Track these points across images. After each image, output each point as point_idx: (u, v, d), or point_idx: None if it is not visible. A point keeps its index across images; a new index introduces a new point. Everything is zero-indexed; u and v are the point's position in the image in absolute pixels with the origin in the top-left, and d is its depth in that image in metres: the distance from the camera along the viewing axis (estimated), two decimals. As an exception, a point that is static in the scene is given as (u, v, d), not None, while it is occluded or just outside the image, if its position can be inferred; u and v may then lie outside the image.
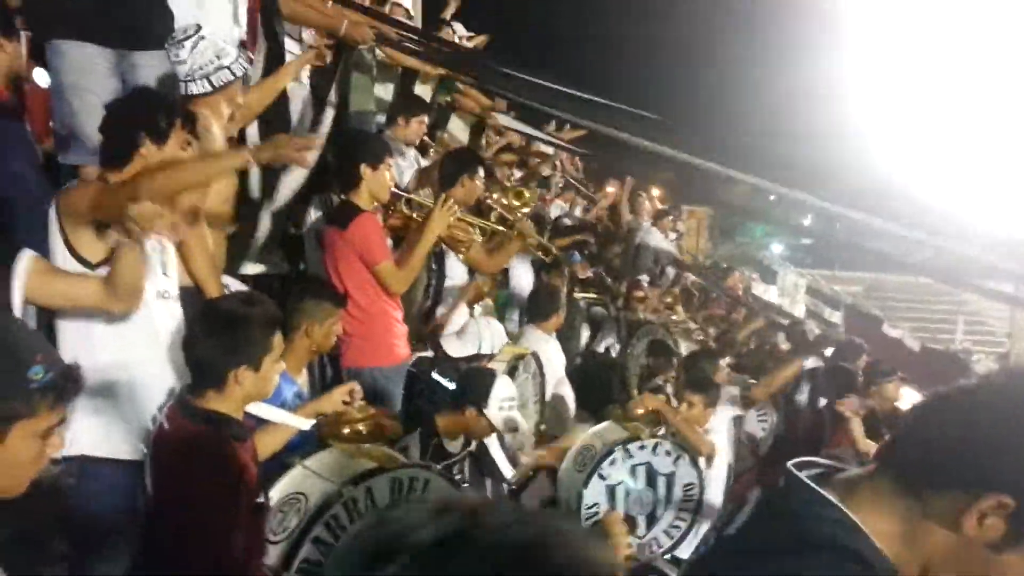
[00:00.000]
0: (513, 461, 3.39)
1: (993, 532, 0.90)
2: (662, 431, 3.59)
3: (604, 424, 3.69)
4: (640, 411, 3.58)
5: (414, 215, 3.56)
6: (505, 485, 3.44)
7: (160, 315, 2.33)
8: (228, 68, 2.77)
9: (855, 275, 22.62)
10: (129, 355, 2.28)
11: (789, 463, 1.06)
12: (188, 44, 2.73)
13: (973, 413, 0.96)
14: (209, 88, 2.75)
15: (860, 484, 0.99)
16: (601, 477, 3.43)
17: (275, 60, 3.43)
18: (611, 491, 3.46)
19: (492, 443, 3.39)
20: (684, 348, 5.77)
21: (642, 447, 3.51)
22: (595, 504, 3.42)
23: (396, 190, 3.53)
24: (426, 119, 4.71)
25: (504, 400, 3.10)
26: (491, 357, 3.64)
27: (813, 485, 0.98)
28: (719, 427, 3.98)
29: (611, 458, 3.44)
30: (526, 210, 4.96)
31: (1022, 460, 0.90)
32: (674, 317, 6.10)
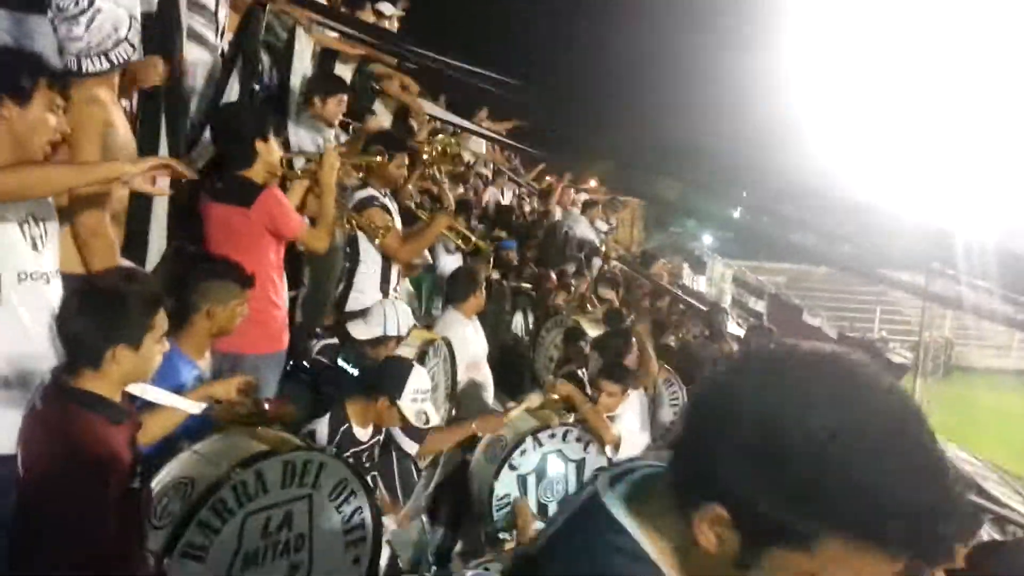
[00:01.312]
0: (415, 435, 3.35)
1: (731, 546, 0.82)
2: (572, 418, 3.63)
3: (516, 411, 3.68)
4: (553, 397, 3.62)
5: (299, 174, 3.53)
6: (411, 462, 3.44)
7: (24, 299, 2.15)
8: (127, 40, 2.62)
9: (780, 266, 23.46)
10: (15, 343, 2.12)
11: (600, 470, 1.00)
12: (84, 19, 2.56)
13: (696, 410, 0.88)
14: (107, 66, 2.58)
15: (655, 493, 0.90)
16: (512, 467, 3.45)
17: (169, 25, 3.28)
18: (522, 480, 3.49)
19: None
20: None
21: (552, 435, 3.55)
22: (506, 495, 3.44)
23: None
24: (345, 98, 4.62)
25: (418, 392, 3.08)
26: (398, 339, 3.60)
27: (612, 508, 0.90)
28: (631, 409, 4.04)
29: (521, 448, 3.46)
30: (451, 166, 4.89)
31: (734, 466, 0.79)
32: (589, 308, 6.18)
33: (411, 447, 3.32)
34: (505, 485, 3.44)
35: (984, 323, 20.68)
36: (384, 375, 3.09)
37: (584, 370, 4.56)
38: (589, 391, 3.91)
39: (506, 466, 3.43)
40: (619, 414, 3.90)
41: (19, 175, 2.10)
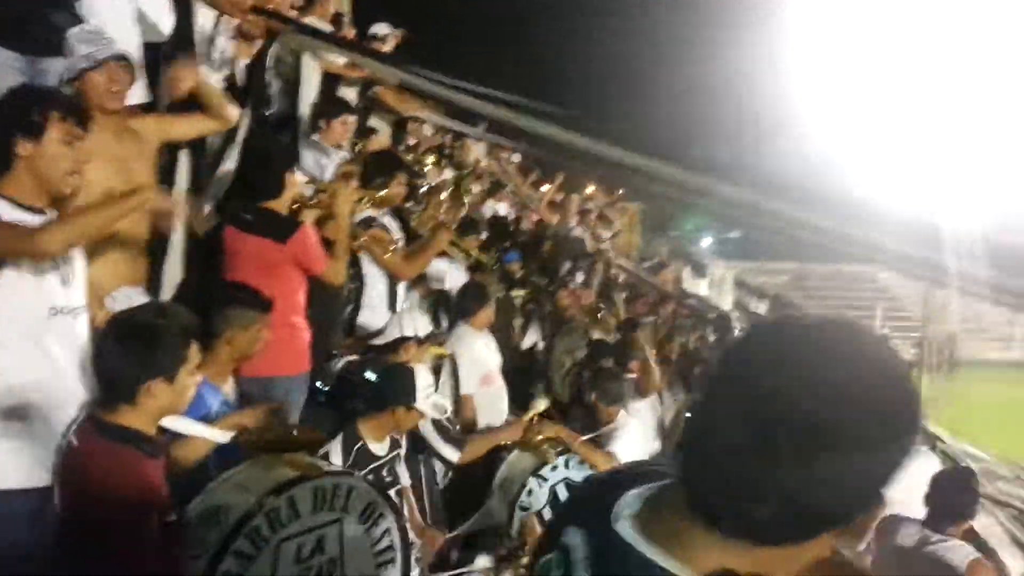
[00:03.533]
0: (458, 444, 3.41)
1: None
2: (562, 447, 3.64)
3: (515, 453, 3.71)
4: (539, 438, 3.63)
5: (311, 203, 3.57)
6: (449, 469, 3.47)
7: (56, 333, 2.21)
8: (111, 41, 2.71)
9: (780, 265, 23.47)
10: (26, 378, 2.17)
11: (598, 503, 0.90)
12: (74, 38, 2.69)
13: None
14: (93, 63, 2.65)
15: (680, 526, 0.82)
16: (523, 509, 3.48)
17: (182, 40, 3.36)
18: (539, 517, 3.47)
19: (428, 432, 3.42)
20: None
21: (554, 468, 3.58)
22: (530, 507, 3.47)
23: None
24: (350, 119, 4.70)
25: (427, 388, 3.15)
26: (417, 341, 3.65)
27: (634, 544, 0.83)
28: (638, 418, 4.08)
29: (527, 489, 3.50)
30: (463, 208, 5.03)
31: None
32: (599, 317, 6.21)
33: (453, 455, 3.37)
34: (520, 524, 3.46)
35: (986, 317, 20.73)
36: (391, 386, 3.13)
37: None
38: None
39: (516, 508, 3.48)
40: (620, 426, 3.93)
41: (76, 227, 2.21)
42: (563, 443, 3.66)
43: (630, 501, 0.88)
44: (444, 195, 4.67)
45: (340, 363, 3.73)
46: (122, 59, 2.73)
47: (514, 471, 3.63)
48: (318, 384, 3.64)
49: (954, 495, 3.27)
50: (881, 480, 0.77)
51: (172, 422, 2.20)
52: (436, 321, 5.41)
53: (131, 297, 2.65)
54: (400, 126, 6.71)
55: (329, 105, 4.81)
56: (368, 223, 4.06)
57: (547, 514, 3.50)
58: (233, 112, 3.21)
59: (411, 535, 2.76)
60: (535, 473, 3.53)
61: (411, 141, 7.09)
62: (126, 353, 1.92)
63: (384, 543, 2.47)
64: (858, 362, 0.77)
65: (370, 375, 3.56)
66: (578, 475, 3.61)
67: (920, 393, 0.81)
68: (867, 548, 3.27)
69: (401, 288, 4.23)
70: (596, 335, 5.35)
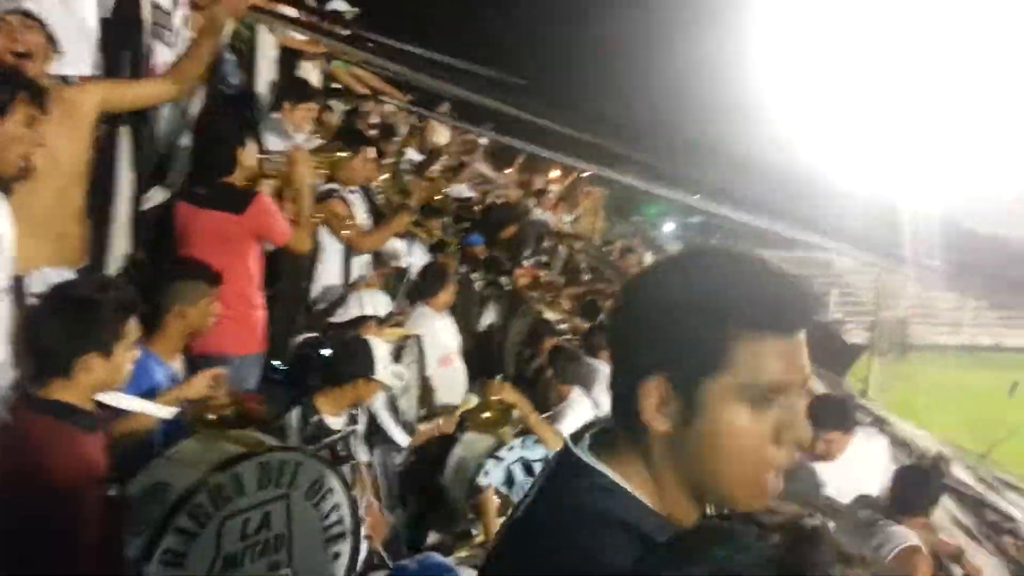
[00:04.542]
0: (408, 429, 3.41)
1: (675, 409, 0.89)
2: (520, 426, 3.68)
3: (470, 434, 3.74)
4: (494, 398, 3.64)
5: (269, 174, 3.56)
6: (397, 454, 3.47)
7: None
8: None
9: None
10: None
11: (567, 433, 1.04)
12: None
13: (613, 316, 0.99)
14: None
15: (618, 440, 0.96)
16: (478, 489, 3.48)
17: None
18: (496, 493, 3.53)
19: (382, 414, 3.41)
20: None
21: (511, 448, 3.59)
22: (488, 485, 3.44)
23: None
24: (314, 105, 4.64)
25: (385, 359, 3.14)
26: (377, 320, 3.63)
27: (579, 454, 0.95)
28: (588, 397, 4.12)
29: (484, 469, 3.51)
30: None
31: (647, 333, 0.91)
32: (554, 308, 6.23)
33: (404, 440, 3.37)
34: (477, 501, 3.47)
35: (936, 302, 21.36)
36: (351, 360, 3.10)
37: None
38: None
39: (472, 488, 3.49)
40: (570, 404, 3.97)
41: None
42: (520, 420, 3.68)
43: (593, 430, 1.01)
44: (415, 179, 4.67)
45: (297, 340, 3.70)
46: (23, 15, 2.49)
47: (470, 451, 3.65)
48: (275, 363, 3.60)
49: (913, 490, 3.37)
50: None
51: (114, 398, 2.16)
52: (395, 301, 5.40)
53: (50, 279, 2.54)
54: (353, 111, 6.66)
55: (293, 89, 4.74)
56: (328, 194, 4.03)
57: (503, 493, 3.53)
58: (193, 82, 3.07)
59: (362, 512, 2.75)
60: (491, 454, 3.55)
61: (372, 120, 7.02)
62: (62, 325, 1.88)
63: (333, 518, 2.45)
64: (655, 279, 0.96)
65: (326, 352, 3.53)
66: (534, 454, 3.63)
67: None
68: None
69: (356, 264, 4.20)
70: (548, 315, 5.38)
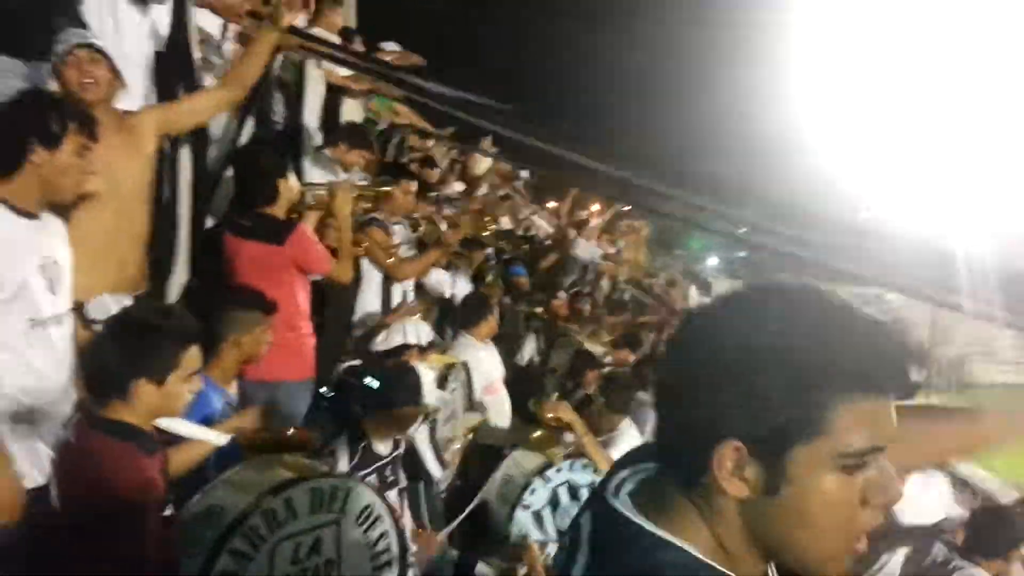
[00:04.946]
0: (443, 462, 3.41)
1: (754, 476, 0.81)
2: (571, 448, 3.63)
3: (519, 451, 3.71)
4: (550, 415, 3.61)
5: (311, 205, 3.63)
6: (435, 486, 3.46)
7: (35, 344, 2.20)
8: (84, 33, 2.63)
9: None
10: (14, 383, 2.18)
11: (602, 486, 0.94)
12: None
13: (675, 359, 0.87)
14: (59, 54, 2.56)
15: (668, 498, 0.87)
16: (525, 507, 3.46)
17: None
18: (537, 516, 3.50)
19: (421, 443, 3.41)
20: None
21: (559, 470, 3.55)
22: (525, 535, 3.43)
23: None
24: (367, 154, 4.74)
25: (431, 386, 3.19)
26: (419, 348, 3.65)
27: (624, 510, 0.87)
28: (636, 427, 4.06)
29: (531, 488, 3.48)
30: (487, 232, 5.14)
31: (727, 392, 0.80)
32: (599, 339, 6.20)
33: (438, 472, 3.36)
34: (519, 525, 3.45)
35: (995, 340, 20.60)
36: (398, 388, 3.11)
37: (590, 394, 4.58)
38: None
39: (519, 507, 3.45)
40: (620, 433, 3.92)
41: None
42: (571, 441, 3.64)
43: (627, 481, 0.93)
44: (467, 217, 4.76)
45: (341, 368, 3.74)
46: (89, 48, 2.60)
47: (518, 469, 3.61)
48: (322, 390, 3.64)
49: (991, 533, 3.27)
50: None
51: (170, 423, 2.20)
52: (440, 332, 5.44)
53: (108, 305, 2.62)
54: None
55: (351, 133, 4.83)
56: (369, 223, 4.10)
57: (546, 515, 3.49)
58: (249, 83, 3.11)
59: (408, 538, 2.74)
60: (540, 473, 3.51)
61: (413, 154, 7.16)
62: (117, 349, 1.91)
63: (381, 545, 2.45)
64: (770, 319, 0.81)
65: (370, 381, 3.55)
66: (581, 478, 3.58)
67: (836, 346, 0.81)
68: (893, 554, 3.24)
69: (396, 294, 4.25)
70: (589, 347, 5.35)
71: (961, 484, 7.26)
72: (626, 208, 11.49)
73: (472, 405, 3.97)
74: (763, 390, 0.78)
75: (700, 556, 0.83)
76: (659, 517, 0.85)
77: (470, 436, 3.82)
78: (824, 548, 0.82)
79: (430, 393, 3.10)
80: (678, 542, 0.83)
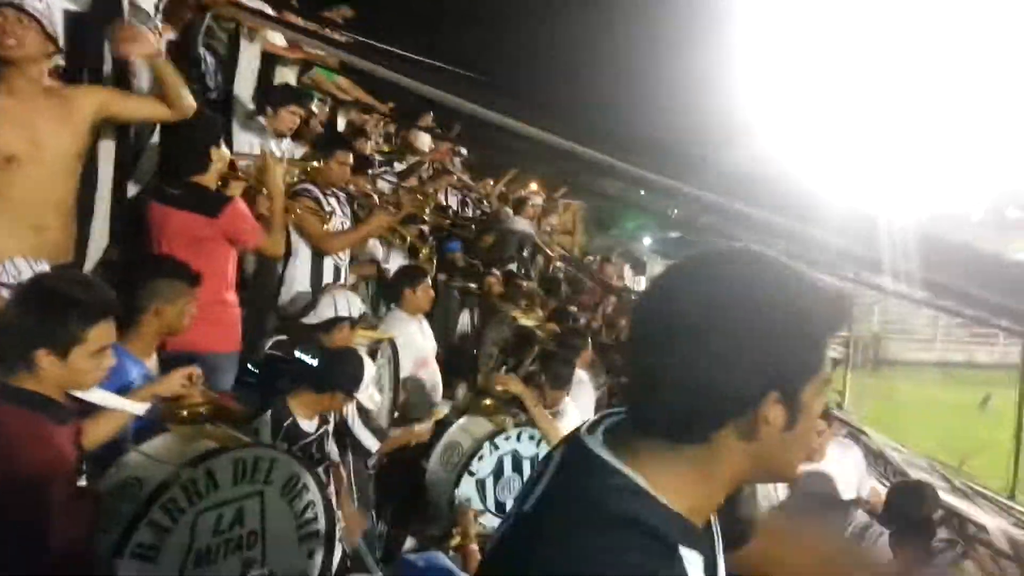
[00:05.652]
0: (379, 434, 3.41)
1: (780, 421, 0.90)
2: (522, 418, 3.69)
3: (467, 418, 3.75)
4: (500, 388, 3.66)
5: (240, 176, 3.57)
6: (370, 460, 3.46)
7: None
8: None
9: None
10: None
11: (582, 424, 1.02)
12: None
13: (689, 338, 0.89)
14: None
15: (637, 442, 0.93)
16: (471, 474, 3.50)
17: None
18: (481, 484, 3.55)
19: (354, 419, 3.39)
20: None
21: (507, 438, 3.61)
22: (468, 499, 3.48)
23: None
24: (297, 108, 4.62)
25: (369, 379, 3.13)
26: (351, 322, 3.61)
27: (598, 451, 0.93)
28: (577, 403, 4.13)
29: (479, 454, 3.52)
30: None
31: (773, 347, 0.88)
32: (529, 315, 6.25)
33: (373, 445, 3.35)
34: (466, 490, 3.49)
35: (909, 318, 21.66)
36: (339, 370, 3.08)
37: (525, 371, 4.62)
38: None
39: (465, 473, 3.49)
40: (563, 409, 3.98)
41: None
42: (520, 410, 3.69)
43: (599, 425, 1.01)
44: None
45: (269, 342, 3.67)
46: (12, 6, 2.46)
47: (466, 435, 3.63)
48: (249, 364, 3.57)
49: (909, 508, 3.42)
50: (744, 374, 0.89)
51: (83, 392, 2.13)
52: (375, 307, 5.40)
53: (21, 270, 2.48)
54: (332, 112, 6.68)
55: (275, 92, 4.72)
56: (299, 193, 4.03)
57: (488, 485, 3.54)
58: (191, 103, 2.97)
59: (337, 512, 2.74)
60: (491, 439, 3.55)
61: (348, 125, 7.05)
62: (19, 316, 1.84)
63: (307, 516, 2.44)
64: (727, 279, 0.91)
65: (304, 356, 3.50)
66: (526, 450, 3.64)
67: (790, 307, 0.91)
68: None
69: (328, 266, 4.18)
70: (524, 322, 5.39)
71: (876, 455, 7.67)
72: (563, 189, 11.61)
73: (399, 381, 3.95)
74: (784, 348, 0.89)
75: (655, 494, 0.90)
76: (631, 461, 0.92)
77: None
78: (802, 457, 0.97)
79: (366, 387, 3.07)
80: (648, 488, 0.90)
